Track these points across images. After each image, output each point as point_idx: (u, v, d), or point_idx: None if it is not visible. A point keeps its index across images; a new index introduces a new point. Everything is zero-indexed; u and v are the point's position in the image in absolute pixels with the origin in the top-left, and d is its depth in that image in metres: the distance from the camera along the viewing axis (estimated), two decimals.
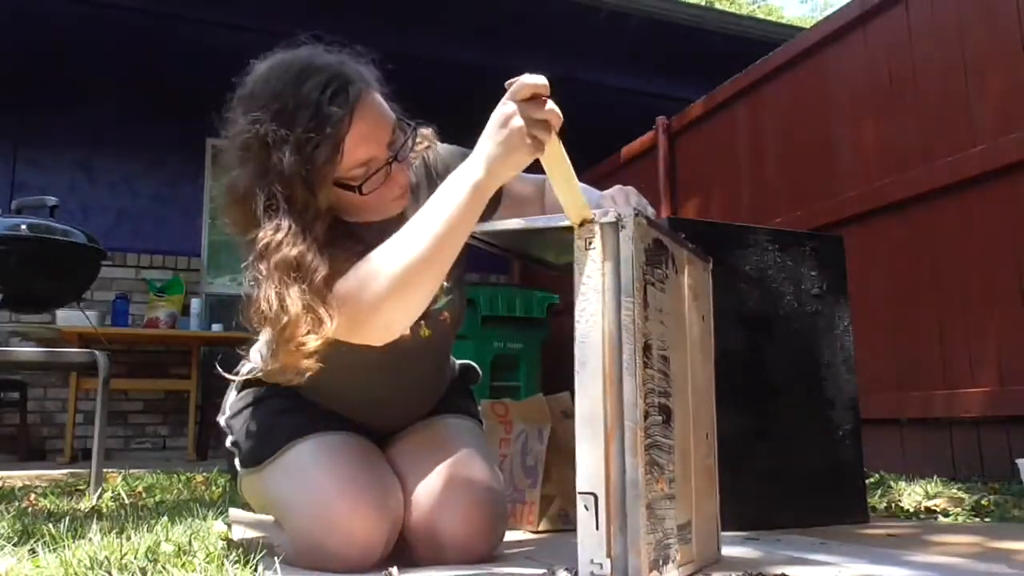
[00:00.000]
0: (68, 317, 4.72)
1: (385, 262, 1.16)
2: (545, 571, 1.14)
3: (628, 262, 1.04)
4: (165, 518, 1.68)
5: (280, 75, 1.24)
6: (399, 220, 1.29)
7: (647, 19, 5.29)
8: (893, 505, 2.18)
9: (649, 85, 5.78)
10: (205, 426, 5.13)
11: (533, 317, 4.54)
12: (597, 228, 1.06)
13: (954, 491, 2.34)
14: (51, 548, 1.32)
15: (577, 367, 1.04)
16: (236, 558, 1.25)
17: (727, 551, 1.39)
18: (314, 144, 1.19)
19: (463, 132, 1.50)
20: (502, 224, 1.19)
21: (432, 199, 1.16)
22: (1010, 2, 2.82)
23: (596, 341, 1.03)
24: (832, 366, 1.95)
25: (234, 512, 2.02)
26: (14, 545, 1.35)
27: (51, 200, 2.87)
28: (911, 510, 2.10)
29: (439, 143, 1.48)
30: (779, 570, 1.20)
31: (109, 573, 1.16)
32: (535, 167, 1.54)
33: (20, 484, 3.03)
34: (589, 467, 1.02)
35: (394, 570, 1.18)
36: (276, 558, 1.23)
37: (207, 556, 1.28)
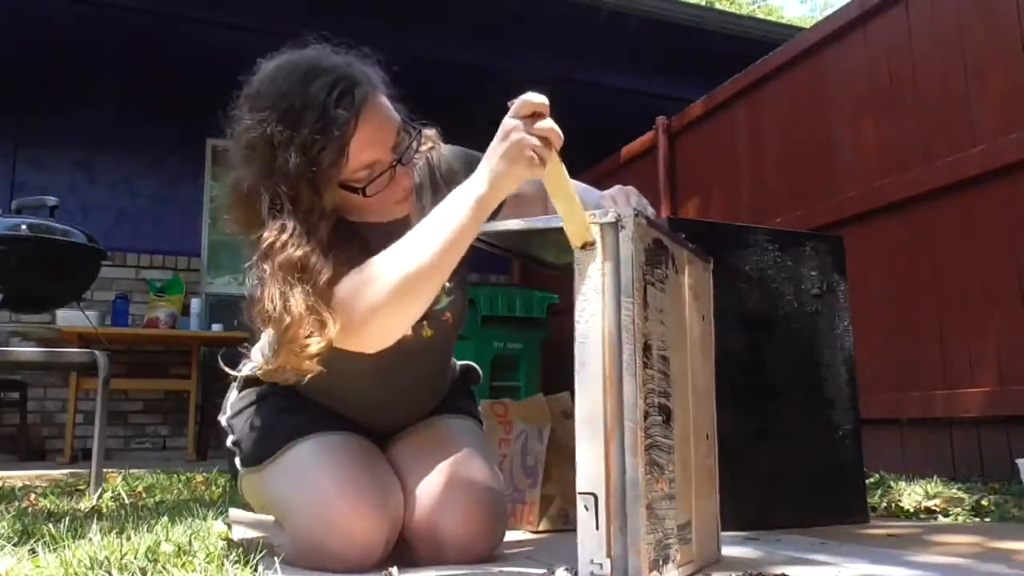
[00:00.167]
0: (68, 317, 4.72)
1: (383, 270, 1.16)
2: (545, 571, 1.14)
3: (628, 262, 1.04)
4: (165, 518, 1.68)
5: (287, 75, 1.24)
6: (403, 221, 1.30)
7: (647, 19, 5.29)
8: (893, 505, 2.18)
9: (649, 85, 5.78)
10: (205, 426, 5.13)
11: (533, 317, 4.54)
12: (597, 228, 1.06)
13: (954, 491, 2.34)
14: (51, 548, 1.32)
15: (577, 367, 1.04)
16: (236, 558, 1.25)
17: (727, 551, 1.39)
18: (320, 146, 1.19)
19: (463, 132, 1.50)
20: (502, 225, 1.19)
21: (435, 211, 1.17)
22: (1010, 2, 2.82)
23: (596, 341, 1.03)
24: (832, 366, 1.95)
25: (234, 512, 2.02)
26: (14, 545, 1.35)
27: (51, 200, 2.87)
28: (911, 510, 2.10)
29: (443, 144, 1.48)
30: (779, 570, 1.20)
31: (109, 573, 1.16)
32: None
33: (20, 484, 3.03)
34: (589, 467, 1.02)
35: (394, 570, 1.18)
36: (276, 558, 1.23)
37: (207, 556, 1.28)
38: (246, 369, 1.50)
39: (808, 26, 6.00)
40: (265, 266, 1.18)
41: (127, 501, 2.36)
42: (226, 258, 5.93)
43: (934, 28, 3.12)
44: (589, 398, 1.03)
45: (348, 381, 1.38)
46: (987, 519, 1.94)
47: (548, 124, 1.07)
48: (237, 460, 1.46)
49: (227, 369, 1.47)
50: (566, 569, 1.12)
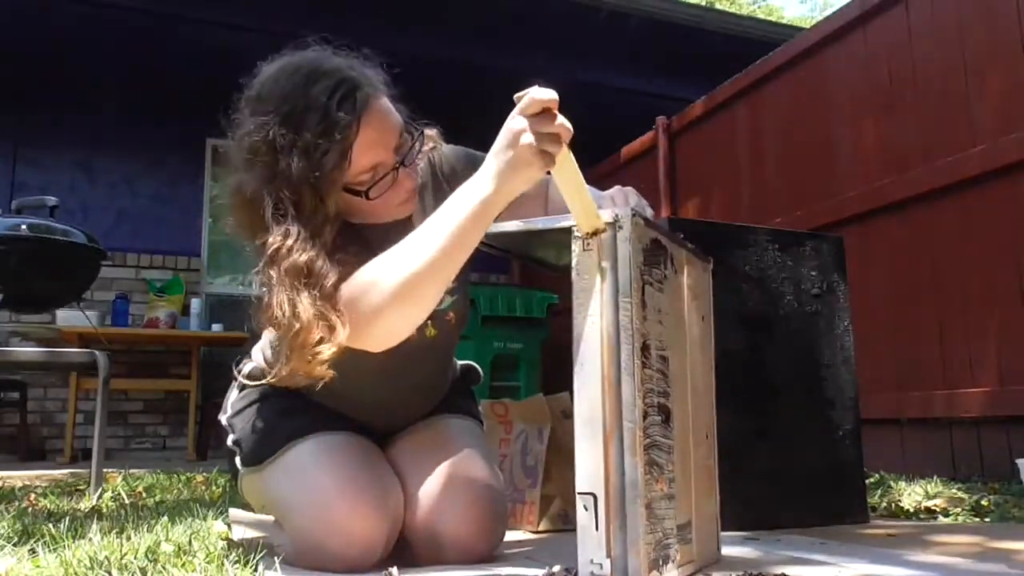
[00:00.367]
0: (68, 317, 4.72)
1: (388, 271, 1.15)
2: (545, 571, 1.14)
3: (625, 263, 1.04)
4: (165, 518, 1.68)
5: (288, 77, 1.24)
6: (406, 222, 1.30)
7: (647, 19, 5.29)
8: (893, 505, 2.18)
9: (649, 85, 5.78)
10: (205, 426, 5.13)
11: (533, 317, 4.54)
12: (608, 214, 1.06)
13: (954, 491, 2.34)
14: (51, 548, 1.32)
15: (575, 367, 1.04)
16: (236, 558, 1.25)
17: (727, 551, 1.39)
18: (323, 149, 1.19)
19: (463, 132, 1.50)
20: (502, 226, 1.19)
21: (439, 211, 1.14)
22: (1010, 2, 2.82)
23: (594, 341, 1.03)
24: (832, 366, 1.95)
25: (234, 512, 2.02)
26: (14, 545, 1.35)
27: (51, 200, 2.87)
28: (911, 510, 2.09)
29: (444, 144, 1.48)
30: (779, 570, 1.20)
31: (109, 573, 1.16)
32: None
33: (20, 484, 3.03)
34: (588, 467, 1.02)
35: (394, 570, 1.18)
36: (276, 558, 1.23)
37: (207, 556, 1.28)
38: (246, 370, 1.50)
39: (808, 26, 6.00)
40: (271, 272, 1.18)
41: (127, 501, 2.36)
42: (226, 258, 5.93)
43: (934, 28, 3.12)
44: (588, 398, 1.03)
45: (351, 380, 1.38)
46: (987, 519, 1.94)
47: (559, 121, 1.03)
48: (237, 460, 1.46)
49: (244, 380, 1.46)
50: (566, 569, 1.12)
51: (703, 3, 13.03)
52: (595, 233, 1.05)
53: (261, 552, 1.27)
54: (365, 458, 1.37)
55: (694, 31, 5.46)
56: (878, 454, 2.87)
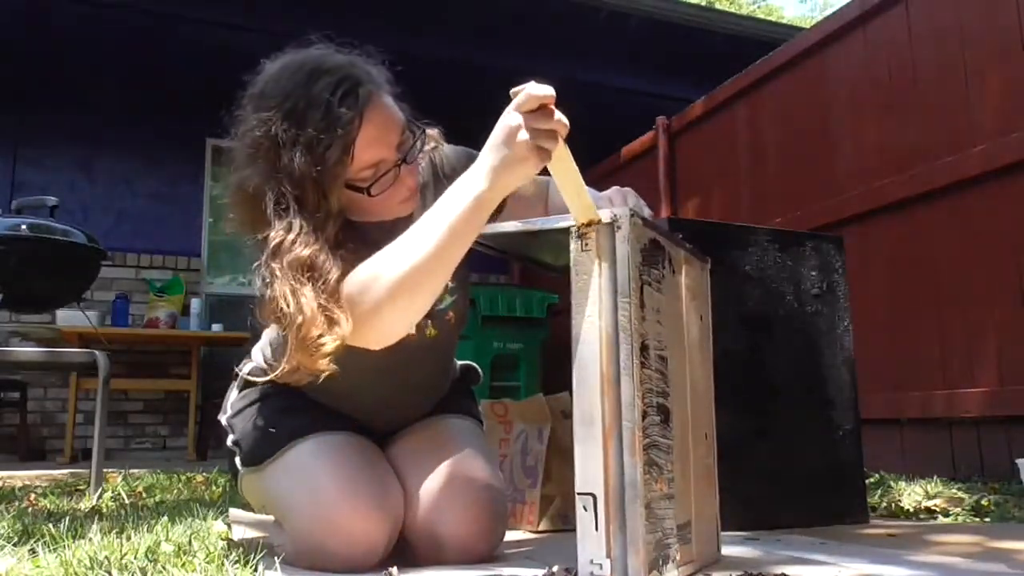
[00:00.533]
0: (68, 317, 4.72)
1: (385, 268, 1.15)
2: (545, 571, 1.14)
3: (624, 263, 1.04)
4: (165, 518, 1.68)
5: (291, 74, 1.24)
6: (407, 221, 1.30)
7: (647, 19, 5.29)
8: (893, 505, 2.18)
9: (649, 85, 5.78)
10: (205, 426, 5.13)
11: (533, 317, 4.54)
12: (593, 229, 1.06)
13: (954, 491, 2.34)
14: (51, 548, 1.32)
15: (574, 368, 1.04)
16: (236, 558, 1.25)
17: (727, 551, 1.39)
18: (325, 145, 1.19)
19: (462, 132, 1.50)
20: (500, 226, 1.19)
21: (434, 208, 1.14)
22: (1010, 2, 2.82)
23: (593, 342, 1.03)
24: (832, 366, 1.95)
25: (234, 512, 2.02)
26: (14, 545, 1.35)
27: (51, 200, 2.87)
28: (911, 510, 2.10)
29: (445, 144, 1.48)
30: (779, 570, 1.20)
31: (109, 573, 1.16)
32: (539, 173, 1.54)
33: (20, 484, 3.03)
34: (587, 467, 1.02)
35: (394, 570, 1.18)
36: (276, 558, 1.23)
37: (207, 556, 1.28)
38: (246, 370, 1.50)
39: (808, 26, 6.00)
40: (274, 266, 1.19)
41: (127, 501, 2.36)
42: (226, 258, 5.93)
43: (934, 28, 3.12)
44: (587, 398, 1.03)
45: (352, 380, 1.38)
46: (987, 519, 1.94)
47: (556, 117, 1.02)
48: (237, 459, 1.46)
49: (248, 378, 1.47)
50: (566, 569, 1.12)
51: (703, 3, 13.03)
52: (590, 224, 1.05)
53: (261, 552, 1.27)
54: (365, 458, 1.37)
55: (694, 31, 5.46)
56: (878, 454, 2.87)
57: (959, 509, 2.05)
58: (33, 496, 2.51)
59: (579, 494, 1.01)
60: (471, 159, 1.44)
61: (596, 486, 1.01)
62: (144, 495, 2.62)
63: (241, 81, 1.29)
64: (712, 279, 1.41)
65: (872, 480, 2.58)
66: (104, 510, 2.11)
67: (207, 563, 1.22)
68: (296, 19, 4.34)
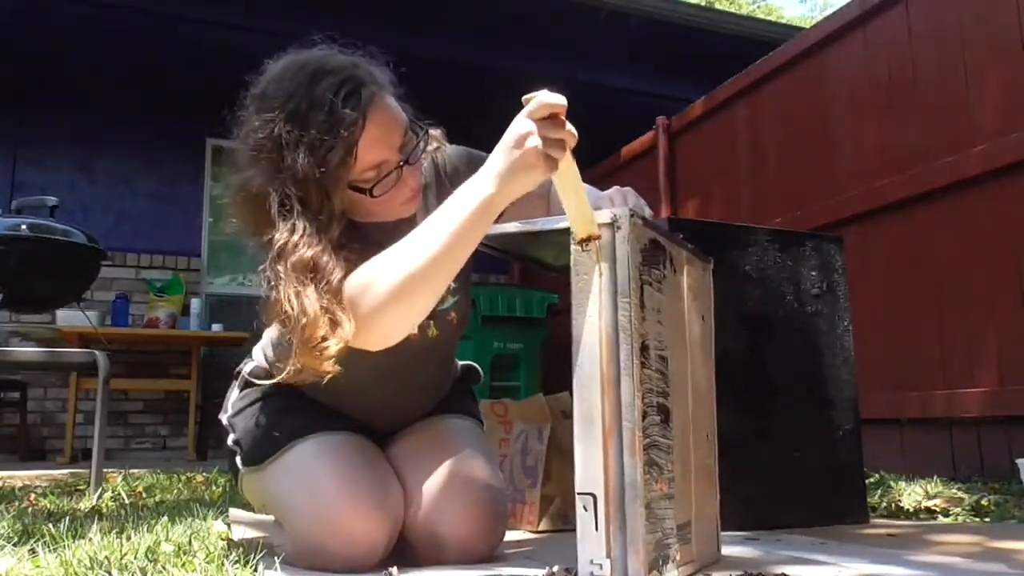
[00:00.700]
0: (68, 317, 4.72)
1: (387, 270, 1.15)
2: (545, 571, 1.14)
3: (624, 263, 1.04)
4: (165, 518, 1.68)
5: (293, 75, 1.24)
6: (410, 221, 1.30)
7: (647, 19, 5.29)
8: (893, 505, 2.18)
9: (649, 85, 5.78)
10: (205, 426, 5.13)
11: (533, 317, 4.54)
12: (606, 220, 1.06)
13: (954, 491, 2.34)
14: (51, 548, 1.32)
15: (574, 367, 1.04)
16: (236, 558, 1.25)
17: (727, 551, 1.39)
18: (327, 146, 1.19)
19: (462, 132, 1.50)
20: (500, 227, 1.19)
21: (440, 210, 1.14)
22: (1010, 2, 2.82)
23: (593, 342, 1.03)
24: (832, 366, 1.95)
25: (234, 512, 2.02)
26: (14, 545, 1.35)
27: (51, 200, 2.87)
28: (911, 510, 2.10)
29: (448, 144, 1.48)
30: (779, 570, 1.20)
31: (109, 573, 1.16)
32: None
33: (20, 484, 3.03)
34: (587, 468, 1.02)
35: (394, 570, 1.18)
36: (276, 558, 1.23)
37: (207, 556, 1.28)
38: (247, 369, 1.50)
39: (808, 26, 6.00)
40: (278, 267, 1.19)
41: (127, 501, 2.36)
42: (226, 258, 5.93)
43: (934, 28, 3.12)
44: (587, 398, 1.03)
45: (353, 380, 1.38)
46: (987, 519, 1.94)
47: (566, 127, 1.03)
48: (238, 459, 1.46)
49: (250, 377, 1.47)
50: (566, 569, 1.12)
51: (703, 3, 13.03)
52: (589, 239, 1.06)
53: (261, 552, 1.27)
54: (365, 458, 1.37)
55: (694, 31, 5.46)
56: (878, 454, 2.87)
57: (959, 509, 2.05)
58: (33, 496, 2.51)
59: (579, 494, 1.01)
60: (473, 160, 1.45)
61: (596, 486, 1.01)
62: (144, 495, 2.62)
63: (241, 81, 1.29)
64: (712, 279, 1.41)
65: (872, 480, 2.58)
66: (104, 510, 2.11)
67: (207, 563, 1.22)
68: (296, 19, 4.35)
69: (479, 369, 1.71)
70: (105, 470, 2.82)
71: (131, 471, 3.39)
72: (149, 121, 5.61)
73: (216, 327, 5.36)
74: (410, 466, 1.40)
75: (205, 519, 1.71)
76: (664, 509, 1.08)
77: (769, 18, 17.02)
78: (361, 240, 1.29)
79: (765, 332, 1.90)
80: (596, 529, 1.00)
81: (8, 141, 5.34)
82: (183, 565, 1.21)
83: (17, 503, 2.30)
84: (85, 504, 2.28)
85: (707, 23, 5.61)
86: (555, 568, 1.13)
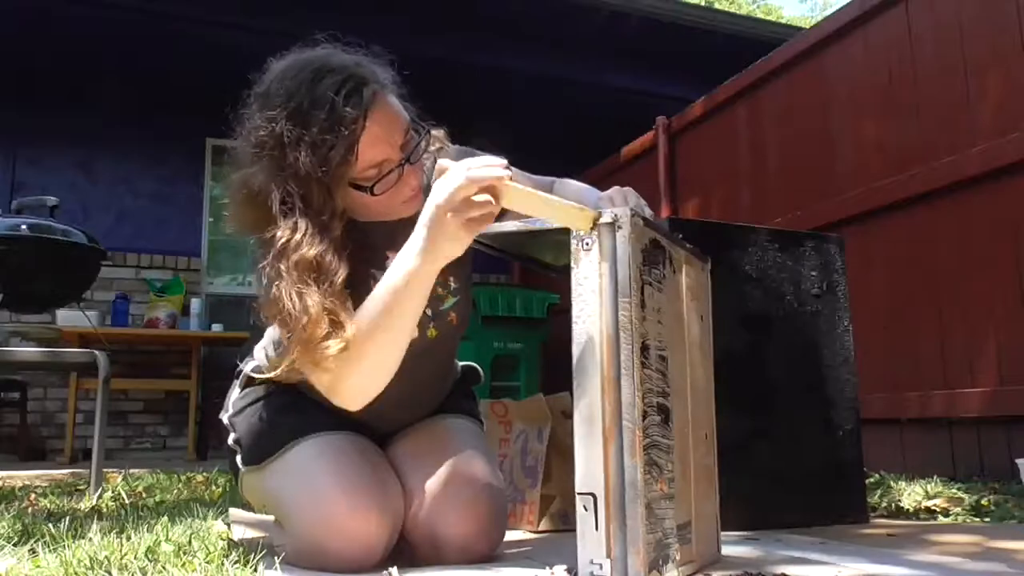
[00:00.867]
0: (68, 317, 4.72)
1: (345, 361, 1.19)
2: (545, 571, 1.14)
3: (625, 262, 1.04)
4: (165, 518, 1.68)
5: (296, 74, 1.25)
6: (411, 221, 1.30)
7: (647, 19, 5.29)
8: (893, 505, 2.18)
9: (649, 85, 5.78)
10: (205, 426, 5.13)
11: (533, 317, 4.54)
12: (595, 229, 1.06)
13: (954, 491, 2.34)
14: (51, 548, 1.32)
15: (575, 368, 1.04)
16: (236, 558, 1.25)
17: (727, 551, 1.39)
18: (329, 145, 1.20)
19: (462, 132, 1.50)
20: (500, 226, 1.19)
21: (380, 283, 1.19)
22: (1010, 2, 2.82)
23: (594, 342, 1.03)
24: (832, 366, 1.95)
25: (234, 512, 2.02)
26: (14, 545, 1.35)
27: (51, 200, 2.87)
28: (911, 510, 2.10)
29: (450, 145, 1.48)
30: (779, 570, 1.20)
31: (109, 573, 1.16)
32: (540, 170, 1.54)
33: (20, 484, 3.03)
34: (587, 467, 1.02)
35: (394, 570, 1.18)
36: (276, 558, 1.23)
37: (207, 556, 1.28)
38: (247, 369, 1.50)
39: (808, 26, 6.00)
40: (280, 265, 1.19)
41: (127, 501, 2.36)
42: (226, 258, 5.93)
43: (934, 28, 3.12)
44: (587, 398, 1.03)
45: None
46: (987, 519, 1.94)
47: (485, 200, 1.05)
48: (238, 459, 1.46)
49: (253, 374, 1.47)
50: (566, 569, 1.12)
51: (703, 3, 13.03)
52: (595, 226, 1.06)
53: (261, 552, 1.27)
54: (366, 458, 1.37)
55: (694, 31, 5.46)
56: (878, 454, 2.87)
57: (959, 509, 2.05)
58: (33, 496, 2.51)
59: (579, 494, 1.01)
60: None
61: (596, 486, 1.01)
62: (144, 495, 2.62)
63: (241, 81, 1.30)
64: (712, 279, 1.41)
65: (872, 480, 2.58)
66: (104, 510, 2.11)
67: (207, 563, 1.22)
68: (297, 19, 4.35)
69: (479, 370, 1.71)
70: (105, 470, 2.82)
71: (131, 471, 3.39)
72: (149, 121, 5.61)
73: (216, 327, 5.36)
74: (410, 466, 1.40)
75: (205, 519, 1.71)
76: (664, 509, 1.08)
77: (769, 18, 17.03)
78: (362, 239, 1.29)
79: (765, 332, 1.90)
80: (596, 529, 1.00)
81: (8, 141, 5.34)
82: (183, 565, 1.21)
83: (17, 503, 2.30)
84: (85, 504, 2.28)
85: (707, 23, 5.61)
86: (555, 568, 1.13)
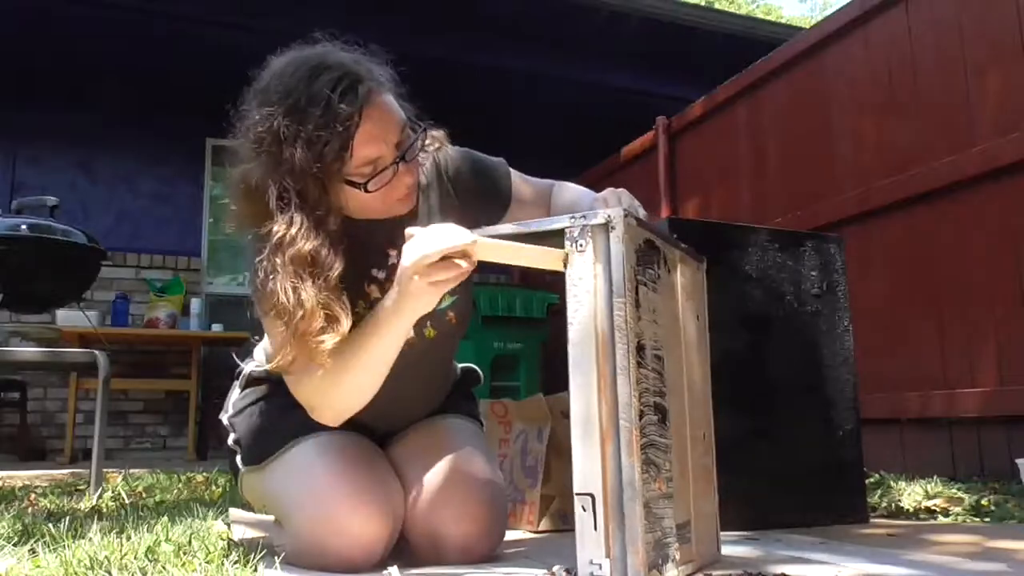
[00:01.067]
0: (68, 317, 4.72)
1: (322, 382, 1.25)
2: (545, 571, 1.15)
3: (619, 263, 1.04)
4: (165, 518, 1.68)
5: (294, 71, 1.25)
6: (406, 218, 1.31)
7: (647, 19, 5.29)
8: (893, 505, 2.18)
9: (649, 85, 5.78)
10: (205, 426, 5.13)
11: (533, 317, 4.54)
12: (588, 230, 1.06)
13: (954, 491, 2.34)
14: (51, 548, 1.32)
15: (571, 369, 1.05)
16: (236, 558, 1.25)
17: (727, 551, 1.39)
18: (324, 141, 1.20)
19: (462, 132, 1.50)
20: (495, 229, 1.20)
21: (358, 330, 1.24)
22: (1010, 2, 2.82)
23: (589, 342, 1.04)
24: (832, 366, 1.95)
25: (234, 512, 2.02)
26: (14, 545, 1.35)
27: (51, 200, 2.87)
28: (911, 510, 2.10)
29: (450, 145, 1.49)
30: (779, 569, 1.20)
31: (109, 573, 1.16)
32: (540, 171, 1.55)
33: (20, 484, 3.03)
34: (585, 468, 1.02)
35: (394, 570, 1.19)
36: (276, 558, 1.23)
37: (207, 556, 1.28)
38: (248, 369, 1.50)
39: (808, 26, 6.00)
40: (276, 259, 1.20)
41: (127, 501, 2.36)
42: (226, 258, 5.93)
43: (934, 28, 3.12)
44: (583, 399, 1.03)
45: None
46: (987, 519, 1.94)
47: (449, 263, 1.10)
48: (238, 459, 1.46)
49: (240, 362, 1.48)
50: (566, 569, 1.12)
51: (703, 3, 13.03)
52: (565, 264, 1.08)
53: (261, 552, 1.27)
54: (366, 458, 1.37)
55: (694, 31, 5.46)
56: (878, 454, 2.87)
57: (959, 509, 2.05)
58: (33, 496, 2.51)
59: (577, 494, 1.02)
60: (476, 164, 1.46)
61: (594, 486, 1.01)
62: (144, 495, 2.62)
63: (241, 81, 1.30)
64: (712, 279, 1.41)
65: (872, 480, 2.58)
66: (104, 510, 2.11)
67: (207, 563, 1.22)
68: (297, 19, 4.34)
69: (479, 371, 1.71)
70: (105, 470, 2.82)
71: (131, 471, 3.39)
72: (149, 121, 5.61)
73: (216, 327, 5.35)
74: (410, 466, 1.40)
75: (205, 519, 1.71)
76: (663, 508, 1.08)
77: (769, 18, 17.02)
78: (357, 236, 1.30)
79: (765, 332, 1.90)
80: (595, 529, 1.00)
81: (8, 141, 5.33)
82: (183, 565, 1.21)
83: (17, 503, 2.30)
84: (85, 504, 2.28)
85: (707, 23, 5.61)
86: (555, 568, 1.14)
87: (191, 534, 1.48)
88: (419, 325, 1.33)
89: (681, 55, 5.59)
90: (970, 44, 2.96)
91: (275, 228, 1.21)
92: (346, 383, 1.26)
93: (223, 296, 5.75)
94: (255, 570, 1.21)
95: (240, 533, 1.66)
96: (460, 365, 1.69)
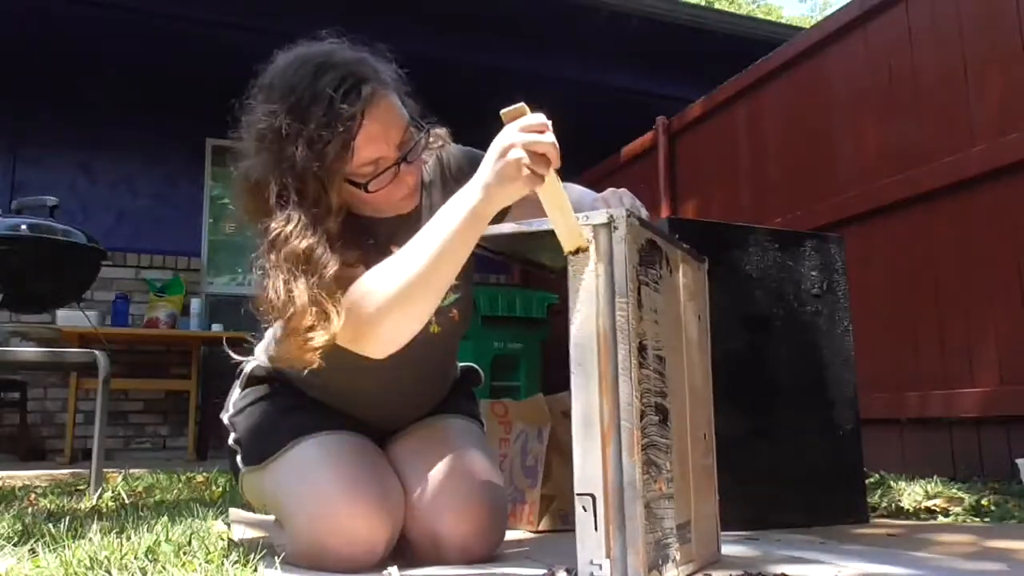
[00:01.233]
0: (68, 317, 4.72)
1: (385, 279, 1.18)
2: (545, 571, 1.14)
3: (621, 263, 1.04)
4: (165, 518, 1.68)
5: (298, 69, 1.25)
6: (410, 217, 1.31)
7: (647, 19, 5.29)
8: (893, 505, 2.18)
9: (649, 85, 5.78)
10: (205, 426, 5.13)
11: (533, 317, 4.54)
12: (590, 230, 1.06)
13: (954, 491, 2.34)
14: (51, 548, 1.32)
15: (572, 369, 1.05)
16: (236, 558, 1.25)
17: (727, 551, 1.39)
18: (325, 141, 1.20)
19: (460, 132, 1.50)
20: (497, 228, 1.20)
21: (433, 220, 1.18)
22: (1010, 2, 2.82)
23: (591, 342, 1.04)
24: (832, 366, 1.95)
25: (234, 512, 2.02)
26: (14, 545, 1.35)
27: (51, 200, 2.87)
28: (911, 510, 2.10)
29: (452, 143, 1.49)
30: (779, 569, 1.20)
31: (109, 573, 1.16)
32: None
33: (20, 484, 3.03)
34: (586, 468, 1.02)
35: (394, 570, 1.19)
36: (276, 558, 1.23)
37: (207, 556, 1.28)
38: (248, 368, 1.50)
39: (808, 26, 6.00)
40: (271, 256, 1.21)
41: (127, 501, 2.36)
42: (226, 258, 5.93)
43: (934, 28, 3.12)
44: (585, 399, 1.03)
45: (354, 377, 1.38)
46: (987, 519, 1.94)
47: (548, 140, 1.06)
48: (239, 458, 1.46)
49: (233, 355, 1.47)
50: (566, 569, 1.12)
51: (703, 3, 13.03)
52: (577, 251, 1.07)
53: (261, 552, 1.27)
54: (366, 458, 1.37)
55: (694, 31, 5.46)
56: (878, 454, 2.87)
57: (959, 509, 2.05)
58: (33, 496, 2.51)
59: (578, 495, 1.02)
60: (476, 161, 1.46)
61: (595, 486, 1.01)
62: (144, 495, 2.62)
63: (242, 81, 1.30)
64: (712, 279, 1.41)
65: (872, 480, 2.58)
66: (104, 510, 2.11)
67: (207, 563, 1.22)
68: (297, 19, 4.34)
69: (479, 371, 1.71)
70: (105, 470, 2.82)
71: (131, 471, 3.39)
72: (149, 121, 5.61)
73: (216, 327, 5.35)
74: (410, 466, 1.40)
75: (205, 519, 1.71)
76: (663, 509, 1.08)
77: (769, 18, 17.03)
78: (359, 234, 1.30)
79: (765, 332, 1.90)
80: (595, 529, 1.00)
81: (8, 141, 5.33)
82: (183, 565, 1.21)
83: (17, 503, 2.30)
84: (85, 504, 2.28)
85: (707, 23, 5.61)
86: (555, 568, 1.13)
87: (191, 534, 1.48)
88: None
89: (681, 55, 5.59)
90: (970, 44, 2.96)
91: (272, 225, 1.21)
92: (405, 290, 1.16)
93: (223, 296, 5.74)
94: (255, 570, 1.21)
95: (240, 533, 1.67)
96: (460, 365, 1.69)
